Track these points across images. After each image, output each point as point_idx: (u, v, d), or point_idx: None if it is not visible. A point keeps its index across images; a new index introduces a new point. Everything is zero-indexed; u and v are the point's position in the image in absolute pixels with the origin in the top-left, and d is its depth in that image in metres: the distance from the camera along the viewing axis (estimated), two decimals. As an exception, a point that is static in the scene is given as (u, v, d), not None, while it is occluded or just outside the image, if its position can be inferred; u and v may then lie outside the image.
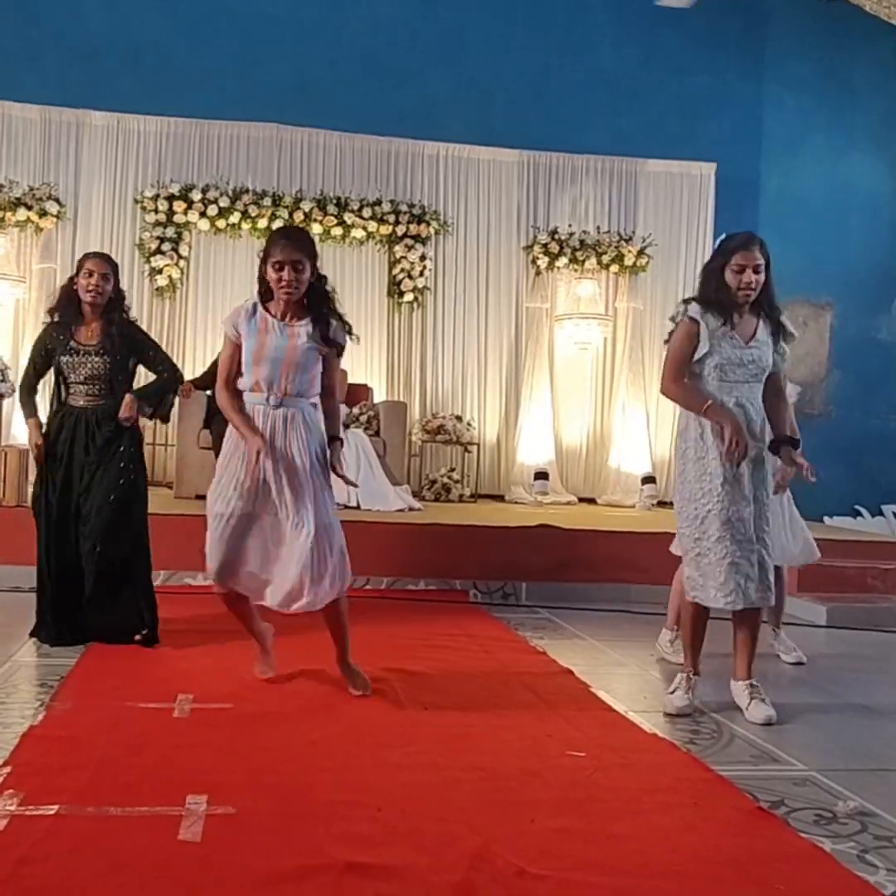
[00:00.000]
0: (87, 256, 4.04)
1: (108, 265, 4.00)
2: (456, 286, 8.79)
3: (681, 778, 2.77)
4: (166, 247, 8.12)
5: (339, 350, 3.38)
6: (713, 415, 3.30)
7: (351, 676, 3.43)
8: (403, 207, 8.52)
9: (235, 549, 3.27)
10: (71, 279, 4.04)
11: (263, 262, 3.27)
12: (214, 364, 6.37)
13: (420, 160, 8.76)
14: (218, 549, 3.27)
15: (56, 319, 4.07)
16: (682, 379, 3.39)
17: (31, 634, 4.05)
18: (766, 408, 3.44)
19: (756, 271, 3.30)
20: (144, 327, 4.32)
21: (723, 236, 3.43)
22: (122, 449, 4.02)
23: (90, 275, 3.94)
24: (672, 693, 3.43)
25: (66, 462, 4.00)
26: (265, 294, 3.32)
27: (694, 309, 3.36)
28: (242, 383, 3.30)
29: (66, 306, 4.02)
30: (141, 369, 4.20)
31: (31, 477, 4.54)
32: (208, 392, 6.71)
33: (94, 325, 4.02)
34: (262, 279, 3.30)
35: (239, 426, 3.24)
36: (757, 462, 3.39)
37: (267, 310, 3.32)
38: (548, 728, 3.15)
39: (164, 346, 4.56)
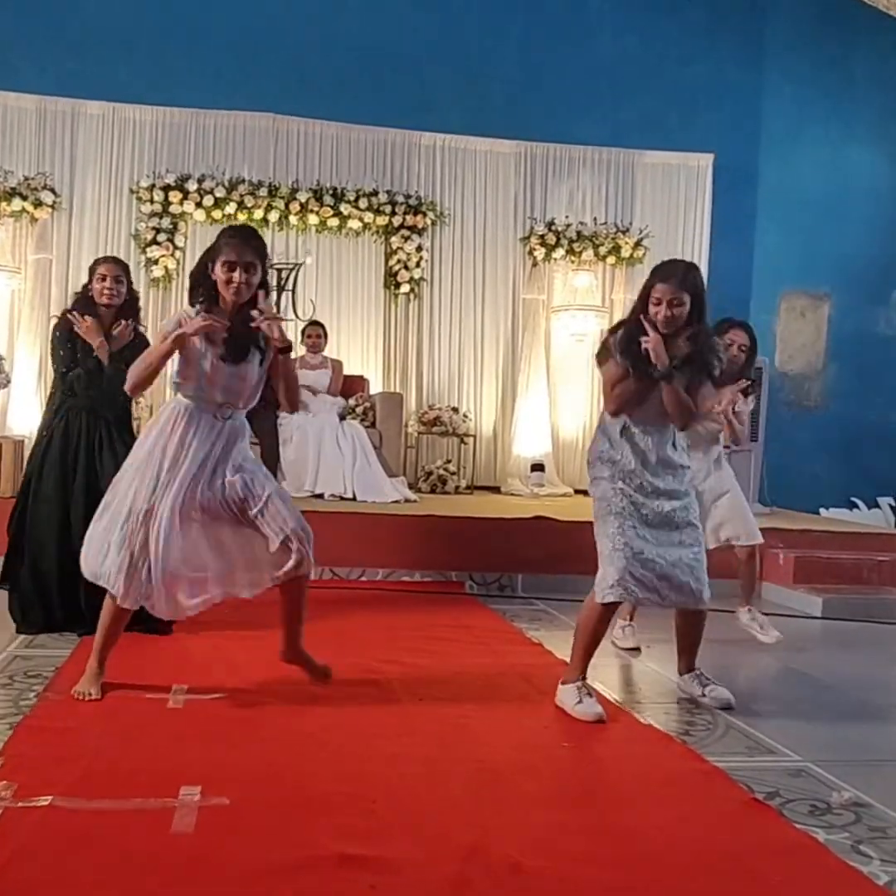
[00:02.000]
0: (99, 261, 4.14)
1: (119, 268, 4.10)
2: (452, 277, 8.76)
3: (676, 769, 2.78)
4: (162, 237, 8.09)
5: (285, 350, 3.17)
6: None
7: (309, 664, 3.31)
8: (400, 198, 8.48)
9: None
10: (85, 286, 4.10)
11: (210, 261, 3.09)
12: None
13: (417, 151, 8.71)
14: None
15: (69, 326, 4.07)
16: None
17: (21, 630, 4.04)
18: None
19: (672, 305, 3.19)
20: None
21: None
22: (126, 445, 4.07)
23: (103, 279, 4.03)
24: (580, 704, 3.22)
25: (66, 457, 4.02)
26: (205, 297, 3.13)
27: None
28: (186, 389, 3.14)
29: (83, 310, 4.05)
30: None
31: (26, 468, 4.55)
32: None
33: (106, 327, 4.06)
34: (204, 279, 3.12)
35: (164, 344, 3.04)
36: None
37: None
38: (543, 720, 3.16)
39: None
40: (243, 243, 3.10)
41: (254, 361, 3.17)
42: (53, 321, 4.22)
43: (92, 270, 4.09)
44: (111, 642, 3.24)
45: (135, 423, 4.42)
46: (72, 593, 4.00)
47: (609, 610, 3.28)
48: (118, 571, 3.08)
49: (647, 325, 3.19)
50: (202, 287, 3.15)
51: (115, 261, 4.18)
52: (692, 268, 3.28)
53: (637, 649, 4.19)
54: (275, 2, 8.45)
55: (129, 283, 4.13)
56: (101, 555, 3.13)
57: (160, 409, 3.26)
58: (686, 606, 3.36)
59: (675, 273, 3.21)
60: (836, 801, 2.52)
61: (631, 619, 4.30)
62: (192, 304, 3.18)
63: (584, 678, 3.29)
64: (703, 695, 3.39)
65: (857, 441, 9.06)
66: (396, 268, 8.52)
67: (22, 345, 7.78)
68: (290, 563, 3.16)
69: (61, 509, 4.02)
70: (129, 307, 4.12)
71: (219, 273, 3.08)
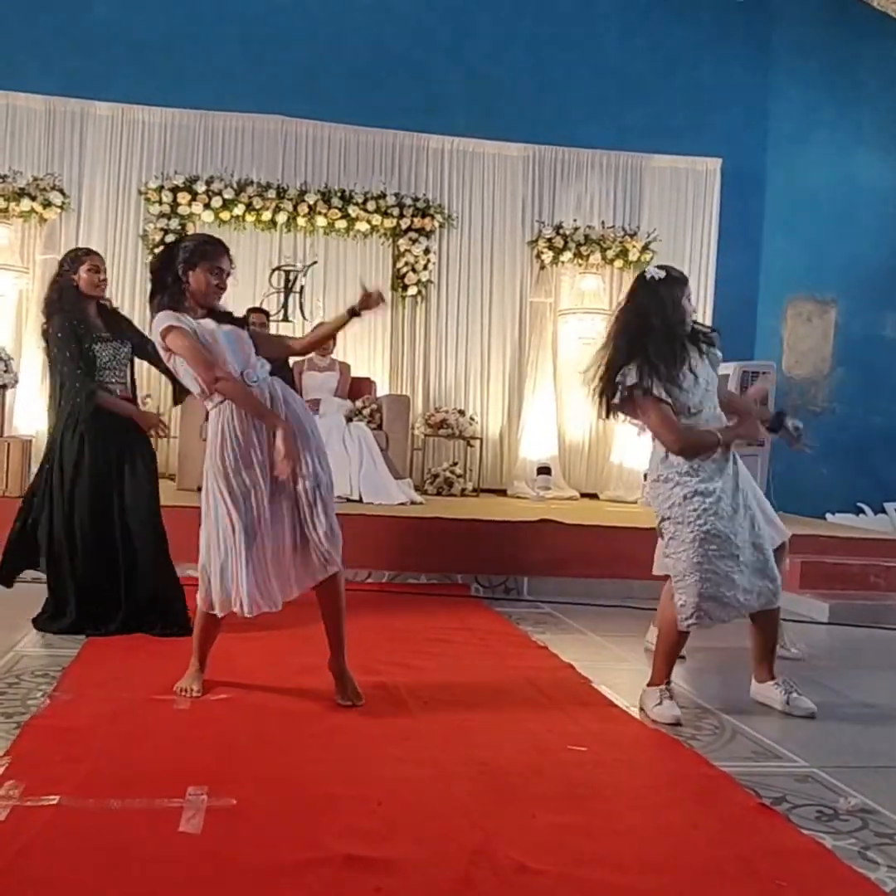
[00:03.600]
0: (88, 253, 4.18)
1: (103, 261, 4.20)
2: (460, 280, 8.77)
3: (682, 774, 2.77)
4: (170, 238, 8.09)
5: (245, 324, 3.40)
6: (732, 437, 3.28)
7: (343, 683, 3.27)
8: (408, 201, 8.50)
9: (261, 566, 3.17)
10: (64, 274, 4.12)
11: (188, 266, 3.21)
12: None
13: (425, 154, 8.73)
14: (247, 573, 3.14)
15: (65, 311, 4.09)
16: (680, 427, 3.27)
17: (43, 627, 4.06)
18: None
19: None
20: (147, 319, 4.49)
21: (656, 269, 3.34)
22: (147, 443, 4.21)
23: (97, 271, 4.10)
24: (659, 705, 3.29)
25: (100, 451, 4.06)
26: (175, 300, 3.22)
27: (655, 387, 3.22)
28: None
29: (72, 299, 4.09)
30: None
31: (35, 468, 4.58)
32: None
33: (96, 316, 4.15)
34: (175, 282, 3.22)
35: (265, 414, 3.12)
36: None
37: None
38: (549, 723, 3.15)
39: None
40: (226, 251, 3.30)
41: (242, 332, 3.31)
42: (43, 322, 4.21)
43: (77, 261, 4.10)
44: (209, 644, 3.34)
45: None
46: (91, 596, 4.05)
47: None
48: (223, 591, 3.15)
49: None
50: (170, 290, 3.23)
51: (99, 253, 4.24)
52: None
53: (682, 658, 4.12)
54: (284, 4, 8.47)
55: None
56: (214, 582, 3.17)
57: (211, 430, 3.23)
58: (765, 607, 3.36)
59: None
60: (843, 807, 2.51)
61: None
62: (170, 306, 3.21)
63: (668, 682, 3.35)
64: (788, 703, 3.38)
65: (864, 446, 9.03)
66: (404, 270, 8.52)
67: (29, 344, 7.80)
68: (315, 565, 3.19)
69: (92, 516, 4.06)
70: (104, 296, 4.23)
71: (203, 278, 3.22)
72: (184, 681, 3.29)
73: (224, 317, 3.31)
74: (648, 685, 3.39)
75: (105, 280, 4.12)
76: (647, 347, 3.22)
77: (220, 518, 3.14)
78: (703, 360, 3.35)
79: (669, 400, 3.22)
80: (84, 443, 4.05)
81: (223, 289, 3.27)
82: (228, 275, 3.29)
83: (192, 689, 3.26)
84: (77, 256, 4.14)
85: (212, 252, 3.26)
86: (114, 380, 4.12)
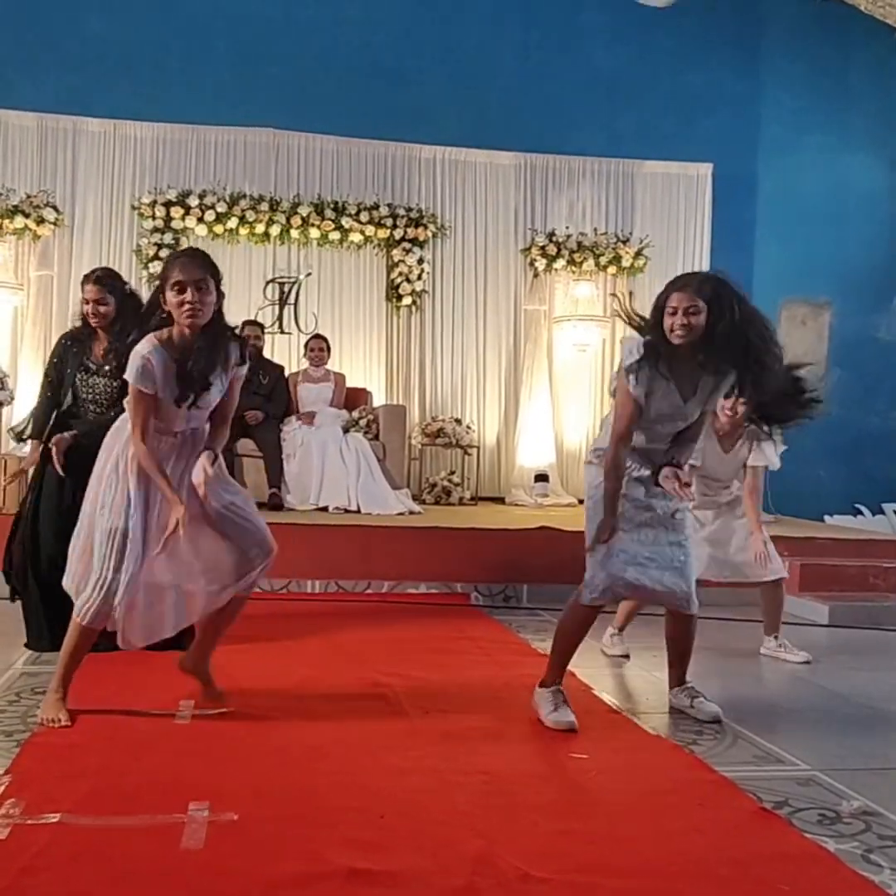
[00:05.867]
0: (84, 279, 4.02)
1: (103, 289, 3.93)
2: (454, 289, 8.79)
3: (684, 779, 2.77)
4: (164, 253, 8.11)
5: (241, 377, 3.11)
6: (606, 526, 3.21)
7: (207, 681, 3.23)
8: (401, 211, 8.53)
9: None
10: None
11: (159, 290, 2.96)
12: None
13: (417, 164, 8.76)
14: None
15: (69, 335, 4.08)
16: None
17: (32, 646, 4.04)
18: None
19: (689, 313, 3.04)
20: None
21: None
22: None
23: (86, 302, 3.96)
24: (555, 712, 3.20)
25: (77, 474, 4.02)
26: (160, 325, 2.97)
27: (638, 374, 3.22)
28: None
29: (83, 325, 4.05)
30: None
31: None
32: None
33: (105, 343, 4.02)
34: (155, 309, 2.98)
35: (163, 488, 2.94)
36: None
37: (164, 347, 2.95)
38: (550, 730, 3.14)
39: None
40: (190, 261, 2.95)
41: (213, 389, 3.02)
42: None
43: (82, 288, 4.02)
44: (76, 665, 3.15)
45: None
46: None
47: (593, 612, 3.29)
48: (92, 589, 3.02)
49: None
50: (153, 319, 3.00)
51: (97, 280, 3.96)
52: (710, 278, 3.15)
53: (627, 656, 4.21)
54: (274, 17, 8.50)
55: (121, 292, 3.97)
56: (77, 572, 3.09)
57: (116, 427, 3.13)
58: (676, 608, 3.35)
59: (690, 282, 3.12)
60: (846, 810, 2.50)
61: (620, 630, 4.35)
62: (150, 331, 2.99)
63: (560, 683, 3.29)
64: (692, 706, 3.37)
65: (861, 447, 9.05)
66: (398, 280, 8.54)
67: (24, 362, 7.80)
68: (255, 575, 3.11)
69: (64, 529, 4.02)
70: (126, 318, 3.87)
71: (169, 299, 2.92)
72: (47, 711, 3.04)
73: (217, 344, 2.99)
74: (540, 686, 3.30)
75: (95, 312, 3.91)
76: (647, 345, 3.28)
77: (109, 517, 3.00)
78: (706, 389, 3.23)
79: (638, 395, 3.19)
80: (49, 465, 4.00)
81: (192, 306, 2.90)
82: (198, 286, 2.90)
83: (59, 719, 3.00)
84: (82, 280, 4.02)
85: (168, 266, 2.99)
86: (99, 412, 4.01)
